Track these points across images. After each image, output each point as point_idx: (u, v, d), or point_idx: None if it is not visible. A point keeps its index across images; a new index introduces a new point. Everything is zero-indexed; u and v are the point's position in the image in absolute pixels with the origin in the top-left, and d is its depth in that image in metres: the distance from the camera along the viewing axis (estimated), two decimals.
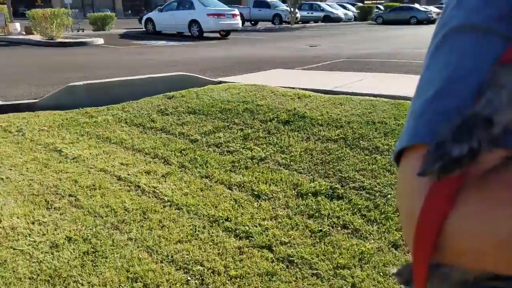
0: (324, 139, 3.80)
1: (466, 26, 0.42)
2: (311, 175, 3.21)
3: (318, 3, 34.82)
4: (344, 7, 36.29)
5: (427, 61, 0.44)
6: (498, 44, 0.40)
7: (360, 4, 40.86)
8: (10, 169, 3.47)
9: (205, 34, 17.84)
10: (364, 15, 36.10)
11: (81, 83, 5.49)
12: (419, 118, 0.40)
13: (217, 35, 18.51)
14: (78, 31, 19.34)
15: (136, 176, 3.29)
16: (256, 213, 2.70)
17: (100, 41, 15.07)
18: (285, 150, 3.67)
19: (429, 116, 0.39)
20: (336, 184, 3.03)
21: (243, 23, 21.83)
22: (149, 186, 3.10)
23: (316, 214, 2.66)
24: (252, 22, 29.55)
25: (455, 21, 0.43)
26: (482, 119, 0.32)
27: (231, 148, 3.81)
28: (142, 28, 20.75)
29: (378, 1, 43.31)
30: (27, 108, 5.13)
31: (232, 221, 2.60)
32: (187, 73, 6.33)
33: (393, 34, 20.12)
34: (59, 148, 3.96)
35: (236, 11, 18.45)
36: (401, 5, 35.10)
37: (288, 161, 3.46)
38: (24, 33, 16.61)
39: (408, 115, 0.43)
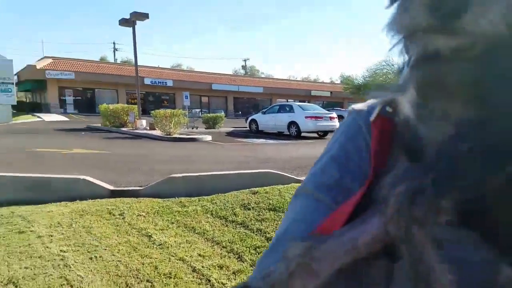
0: None
1: (307, 190, 0.54)
2: None
3: None
4: None
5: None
6: (323, 210, 0.50)
7: None
8: (105, 249, 3.85)
9: (302, 134, 18.66)
10: None
11: (180, 175, 6.07)
12: (257, 267, 0.51)
13: (315, 135, 19.19)
14: (192, 128, 21.83)
15: (209, 269, 3.38)
16: None
17: (209, 138, 16.72)
18: None
19: (260, 268, 0.49)
20: None
21: None
22: (218, 282, 3.14)
23: None
24: None
25: (305, 181, 0.56)
26: None
27: None
28: (246, 128, 22.67)
29: None
30: (132, 194, 5.78)
31: None
32: (272, 171, 6.60)
33: None
34: (150, 234, 4.30)
35: (334, 114, 19.17)
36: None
37: None
38: (148, 128, 19.31)
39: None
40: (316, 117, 18.34)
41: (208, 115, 24.56)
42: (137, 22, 20.45)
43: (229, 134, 20.53)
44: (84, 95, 42.06)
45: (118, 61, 71.26)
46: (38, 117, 29.66)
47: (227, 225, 4.55)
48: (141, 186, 6.10)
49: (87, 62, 43.17)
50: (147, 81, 42.53)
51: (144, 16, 20.22)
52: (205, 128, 22.59)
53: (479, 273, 0.31)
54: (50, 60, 39.74)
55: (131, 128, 19.49)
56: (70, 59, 41.83)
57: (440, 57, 0.36)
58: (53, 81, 37.97)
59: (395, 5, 0.38)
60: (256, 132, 21.19)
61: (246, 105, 52.37)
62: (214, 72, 52.07)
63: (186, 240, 4.14)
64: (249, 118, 22.80)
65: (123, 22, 20.44)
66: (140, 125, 19.31)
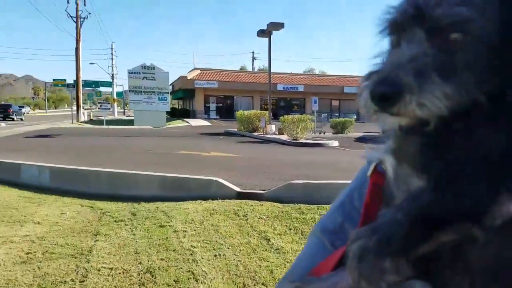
0: None
1: (315, 231, 0.63)
2: None
3: None
4: None
5: None
6: (323, 252, 0.57)
7: None
8: (228, 248, 4.23)
9: None
10: None
11: (300, 181, 6.22)
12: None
13: None
14: (320, 133, 21.89)
15: None
16: None
17: (335, 143, 16.57)
18: None
19: None
20: None
21: None
22: None
23: None
24: None
25: (318, 222, 0.65)
26: None
27: None
28: (380, 132, 21.55)
29: None
30: (256, 197, 6.16)
31: None
32: None
33: None
34: (268, 237, 4.55)
35: None
36: None
37: None
38: (277, 133, 20.13)
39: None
40: None
41: (337, 119, 24.26)
42: (274, 32, 21.35)
43: (359, 139, 19.92)
44: (224, 102, 46.02)
45: (256, 70, 75.81)
46: (187, 122, 33.61)
47: None
48: (263, 190, 6.45)
49: (228, 71, 47.33)
50: (279, 87, 44.20)
51: (279, 26, 20.97)
52: (333, 133, 22.38)
53: None
54: (198, 71, 44.66)
55: (262, 133, 20.57)
56: (214, 70, 46.57)
57: (400, 130, 0.45)
58: (200, 90, 42.58)
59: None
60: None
61: None
62: (346, 75, 50.98)
63: (302, 248, 4.24)
64: None
65: (260, 33, 21.57)
66: (270, 130, 20.23)
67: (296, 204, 5.78)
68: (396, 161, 0.47)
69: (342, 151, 14.63)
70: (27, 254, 3.96)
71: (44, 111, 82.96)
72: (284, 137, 17.98)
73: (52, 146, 13.24)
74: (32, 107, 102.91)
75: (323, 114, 39.72)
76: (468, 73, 0.40)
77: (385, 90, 0.40)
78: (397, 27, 0.45)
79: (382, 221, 0.42)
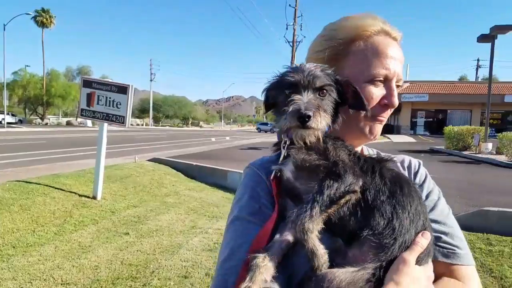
0: None
1: (239, 217, 0.91)
2: None
3: None
4: None
5: (224, 234, 0.92)
6: (255, 229, 0.85)
7: None
8: None
9: None
10: None
11: (495, 209, 5.31)
12: (217, 274, 0.85)
13: None
14: None
15: None
16: None
17: None
18: None
19: (222, 272, 0.84)
20: None
21: None
22: None
23: None
24: None
25: (235, 213, 0.93)
26: None
27: None
28: None
29: None
30: None
31: None
32: None
33: None
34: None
35: None
36: None
37: None
38: (494, 152, 17.14)
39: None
40: None
41: None
42: (498, 36, 18.36)
43: None
44: (435, 116, 42.11)
45: (480, 79, 66.30)
46: (388, 138, 32.29)
47: None
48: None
49: (443, 83, 42.90)
50: (507, 99, 37.42)
51: (506, 28, 17.89)
52: None
53: (330, 244, 0.79)
54: (407, 84, 42.47)
55: (474, 152, 17.89)
56: (425, 81, 43.00)
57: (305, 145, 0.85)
58: (407, 104, 40.27)
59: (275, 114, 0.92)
60: None
61: None
62: None
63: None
64: None
65: (482, 38, 18.88)
66: (485, 148, 17.29)
67: (485, 234, 4.98)
68: (297, 167, 0.84)
69: None
70: (214, 243, 4.87)
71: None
72: (502, 158, 15.26)
73: (257, 157, 15.20)
74: (253, 124, 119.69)
75: None
76: (329, 107, 0.87)
77: (306, 113, 0.80)
78: (295, 87, 0.86)
79: (306, 201, 0.77)
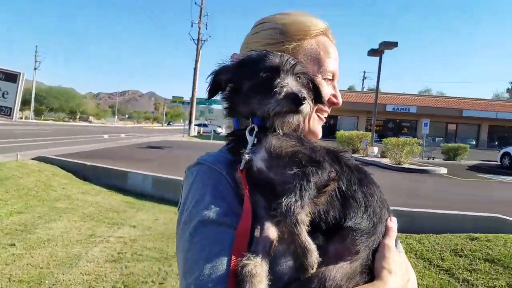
0: None
1: (206, 221, 0.73)
2: None
3: None
4: None
5: (186, 244, 0.72)
6: (229, 232, 0.71)
7: None
8: None
9: None
10: None
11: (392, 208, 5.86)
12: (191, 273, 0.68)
13: None
14: (428, 158, 20.21)
15: None
16: None
17: (443, 170, 15.13)
18: None
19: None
20: None
21: None
22: None
23: None
24: None
25: (199, 217, 0.74)
26: None
27: None
28: (497, 162, 19.20)
29: None
30: None
31: None
32: (503, 216, 5.44)
33: None
34: None
35: None
36: None
37: None
38: (379, 156, 19.10)
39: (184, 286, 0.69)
40: None
41: (448, 145, 22.13)
42: (386, 51, 20.34)
43: (472, 168, 17.91)
44: (328, 121, 44.93)
45: (365, 89, 73.91)
46: None
47: (429, 269, 4.11)
48: None
49: None
50: (388, 108, 42.24)
51: (392, 45, 19.88)
52: (444, 159, 20.46)
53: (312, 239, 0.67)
54: None
55: (362, 155, 19.77)
56: None
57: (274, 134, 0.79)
58: None
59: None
60: (509, 167, 17.69)
61: (505, 134, 44.28)
62: (466, 97, 46.28)
63: None
64: (502, 151, 19.24)
65: (372, 52, 20.61)
66: (371, 152, 19.30)
67: None
68: (271, 155, 0.76)
69: (449, 180, 13.29)
70: (118, 253, 4.43)
71: (161, 124, 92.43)
72: (386, 161, 17.01)
73: (160, 157, 14.61)
74: (151, 121, 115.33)
75: (437, 138, 36.59)
76: (307, 88, 0.85)
77: (303, 96, 0.75)
78: (276, 71, 0.80)
79: (290, 190, 0.68)
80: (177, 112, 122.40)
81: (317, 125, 1.00)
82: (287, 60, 0.82)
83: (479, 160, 21.37)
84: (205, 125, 45.10)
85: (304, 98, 0.75)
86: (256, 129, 0.80)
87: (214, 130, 34.72)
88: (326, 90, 0.97)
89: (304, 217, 0.66)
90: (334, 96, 1.01)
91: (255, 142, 0.79)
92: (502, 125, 44.04)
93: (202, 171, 0.84)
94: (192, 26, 37.62)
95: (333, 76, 1.00)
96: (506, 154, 18.54)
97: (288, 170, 0.72)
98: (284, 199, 0.66)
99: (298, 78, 0.83)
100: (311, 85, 0.88)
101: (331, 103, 1.02)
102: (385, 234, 0.80)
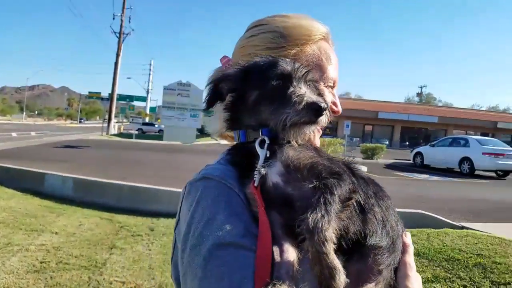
0: None
1: (222, 243, 0.64)
2: None
3: None
4: None
5: (199, 271, 0.64)
6: (250, 256, 0.62)
7: None
8: None
9: (476, 172, 16.29)
10: None
11: None
12: None
13: (492, 174, 16.54)
14: (348, 158, 21.45)
15: None
16: None
17: (363, 169, 15.80)
18: None
19: None
20: None
21: None
22: None
23: None
24: None
25: (213, 239, 0.65)
26: None
27: None
28: (410, 160, 21.07)
29: None
30: None
31: None
32: (425, 212, 5.95)
33: None
34: None
35: None
36: None
37: None
38: None
39: None
40: (496, 154, 15.78)
41: (367, 145, 23.78)
42: None
43: (388, 166, 19.41)
44: None
45: None
46: (216, 139, 33.84)
47: None
48: None
49: None
50: None
51: None
52: (362, 158, 21.91)
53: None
54: None
55: None
56: None
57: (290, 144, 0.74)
58: None
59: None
60: (420, 166, 19.52)
61: (415, 135, 48.81)
62: (381, 100, 50.10)
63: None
64: (415, 151, 21.17)
65: None
66: None
67: None
68: (289, 168, 0.70)
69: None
70: (41, 263, 4.00)
71: (76, 122, 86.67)
72: None
73: (79, 157, 13.65)
74: (64, 118, 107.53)
75: (354, 139, 39.08)
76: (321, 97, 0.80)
77: (323, 106, 0.71)
78: (288, 79, 0.75)
79: (313, 205, 0.62)
80: (94, 108, 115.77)
81: (317, 136, 0.95)
82: (298, 68, 0.77)
83: (394, 159, 23.25)
84: (151, 124, 42.86)
85: (325, 108, 0.71)
86: (267, 141, 0.74)
87: (141, 129, 33.35)
88: (328, 98, 0.93)
89: (332, 234, 0.60)
90: (334, 104, 0.99)
91: (267, 155, 0.72)
92: (412, 127, 48.39)
93: (209, 186, 0.75)
94: (114, 19, 35.72)
95: (334, 83, 0.97)
96: (418, 153, 20.38)
97: (307, 183, 0.66)
98: (310, 214, 0.60)
99: (308, 86, 0.78)
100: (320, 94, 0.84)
101: (331, 112, 0.95)
102: (404, 251, 0.77)
